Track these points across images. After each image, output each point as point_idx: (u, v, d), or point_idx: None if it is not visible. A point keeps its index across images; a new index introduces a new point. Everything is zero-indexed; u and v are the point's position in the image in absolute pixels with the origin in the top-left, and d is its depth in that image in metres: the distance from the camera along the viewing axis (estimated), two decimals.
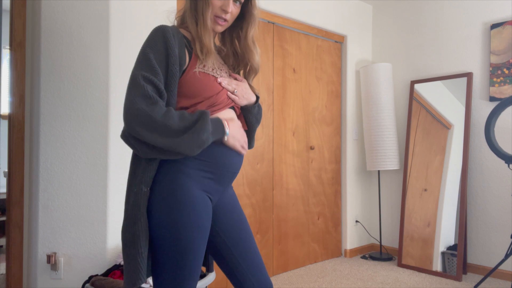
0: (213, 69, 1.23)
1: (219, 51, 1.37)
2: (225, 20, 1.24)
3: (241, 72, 1.37)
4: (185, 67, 1.18)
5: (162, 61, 1.13)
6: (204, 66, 1.20)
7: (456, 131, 3.25)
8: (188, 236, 1.12)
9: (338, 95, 3.75)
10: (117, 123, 2.26)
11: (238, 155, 1.27)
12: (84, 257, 2.14)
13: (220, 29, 1.26)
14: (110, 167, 2.23)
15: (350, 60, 3.78)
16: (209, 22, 1.21)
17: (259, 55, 1.34)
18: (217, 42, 1.40)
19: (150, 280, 1.92)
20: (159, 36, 1.14)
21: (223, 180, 1.24)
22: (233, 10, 1.24)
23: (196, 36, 1.21)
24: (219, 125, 1.16)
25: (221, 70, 1.27)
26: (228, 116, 1.24)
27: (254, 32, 1.31)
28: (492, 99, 3.15)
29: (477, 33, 3.28)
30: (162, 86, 1.11)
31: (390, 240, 3.81)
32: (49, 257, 2.03)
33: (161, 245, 1.12)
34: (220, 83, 1.22)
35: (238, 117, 1.31)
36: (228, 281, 2.82)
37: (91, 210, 2.16)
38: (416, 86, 3.60)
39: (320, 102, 3.57)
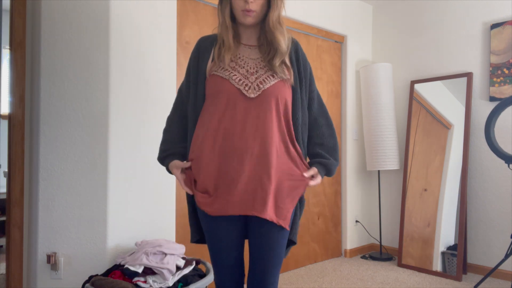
0: (225, 70, 1.31)
1: (260, 47, 1.37)
2: (251, 10, 1.27)
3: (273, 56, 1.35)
4: (208, 69, 1.35)
5: (188, 69, 1.43)
6: (219, 67, 1.31)
7: (456, 131, 3.25)
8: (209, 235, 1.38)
9: (338, 95, 3.75)
10: (117, 123, 2.27)
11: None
12: (84, 257, 2.14)
13: (250, 20, 1.30)
14: (110, 167, 2.23)
15: (350, 60, 3.78)
16: (227, 19, 1.32)
17: (285, 36, 1.33)
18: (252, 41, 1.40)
19: (150, 280, 1.92)
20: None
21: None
22: None
23: (220, 36, 1.34)
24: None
25: (241, 67, 1.32)
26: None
27: (278, 14, 1.31)
28: (492, 99, 3.15)
29: (477, 33, 3.28)
30: (184, 89, 1.44)
31: (390, 240, 3.81)
32: (49, 257, 2.03)
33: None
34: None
35: None
36: None
37: (91, 210, 2.16)
38: (416, 86, 3.60)
39: None
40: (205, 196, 1.29)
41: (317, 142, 1.43)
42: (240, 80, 1.29)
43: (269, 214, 1.25)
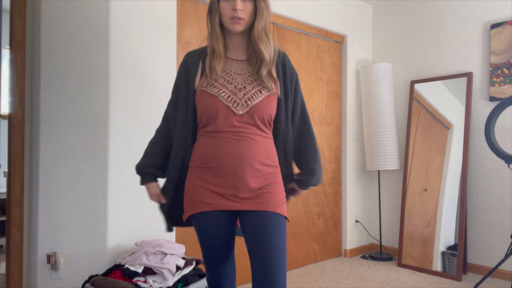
0: (214, 86, 1.34)
1: (248, 61, 1.40)
2: (239, 18, 1.29)
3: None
4: (197, 84, 1.38)
5: (176, 86, 1.45)
6: (208, 84, 1.34)
7: (456, 131, 3.25)
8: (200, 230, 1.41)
9: (338, 95, 3.75)
10: (117, 123, 2.27)
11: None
12: (84, 257, 2.14)
13: (238, 27, 1.32)
14: (110, 167, 2.23)
15: (350, 60, 3.78)
16: (217, 28, 1.34)
17: (268, 47, 1.35)
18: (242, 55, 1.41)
19: (150, 280, 1.92)
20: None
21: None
22: (244, 7, 1.30)
23: (210, 46, 1.35)
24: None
25: (229, 83, 1.34)
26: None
27: (263, 24, 1.34)
28: (492, 99, 3.15)
29: (477, 33, 3.28)
30: (170, 110, 1.45)
31: (390, 240, 3.81)
32: (49, 257, 2.03)
33: None
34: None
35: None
36: None
37: (91, 210, 2.16)
38: (416, 86, 3.60)
39: (320, 102, 3.56)
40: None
41: (298, 157, 1.50)
42: (228, 96, 1.33)
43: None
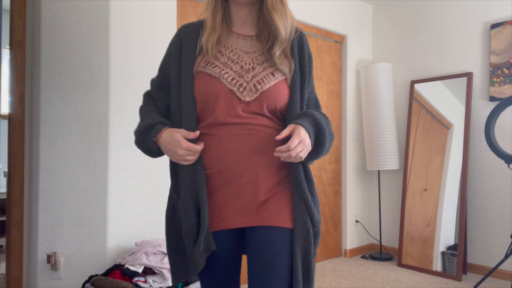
0: (215, 66, 1.06)
1: (258, 37, 1.13)
2: None
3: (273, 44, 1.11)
4: (195, 65, 1.09)
5: (167, 60, 1.16)
6: (207, 63, 1.07)
7: (456, 131, 3.25)
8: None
9: (338, 95, 3.75)
10: (117, 123, 2.27)
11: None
12: (84, 257, 2.14)
13: None
14: (110, 167, 2.23)
15: (350, 60, 3.78)
16: None
17: (285, 20, 1.11)
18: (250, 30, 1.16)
19: (150, 279, 1.92)
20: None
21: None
22: None
23: (208, 17, 1.10)
24: (150, 141, 1.07)
25: (234, 63, 1.07)
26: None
27: None
28: (492, 99, 3.15)
29: (477, 33, 3.28)
30: (158, 81, 1.17)
31: (390, 240, 3.81)
32: (49, 257, 2.03)
33: None
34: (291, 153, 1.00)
35: None
36: None
37: (91, 210, 2.16)
38: (416, 86, 3.60)
39: (320, 102, 3.56)
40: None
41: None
42: (233, 79, 1.05)
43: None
